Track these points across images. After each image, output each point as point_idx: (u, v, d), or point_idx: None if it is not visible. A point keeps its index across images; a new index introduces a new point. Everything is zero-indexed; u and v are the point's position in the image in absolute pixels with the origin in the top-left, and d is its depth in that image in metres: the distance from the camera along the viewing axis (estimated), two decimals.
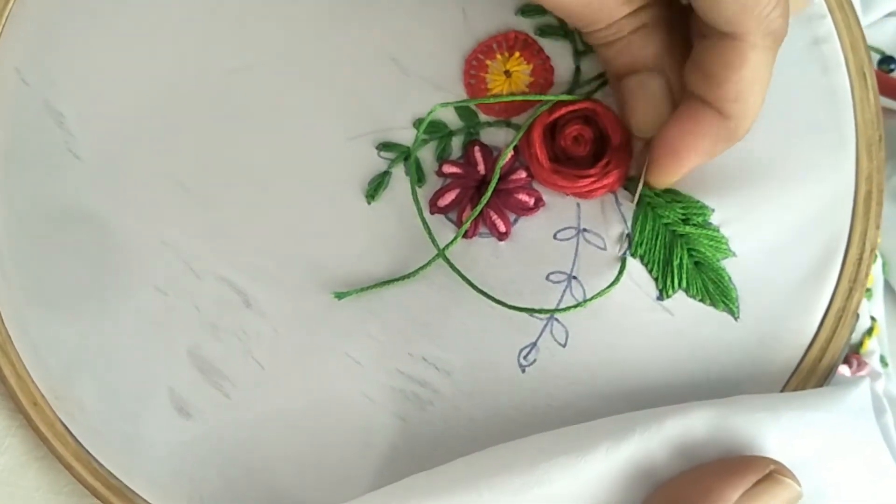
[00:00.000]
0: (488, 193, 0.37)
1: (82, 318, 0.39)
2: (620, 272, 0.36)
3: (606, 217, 0.37)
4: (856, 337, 0.41)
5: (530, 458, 0.33)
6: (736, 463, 0.32)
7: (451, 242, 0.37)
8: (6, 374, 0.39)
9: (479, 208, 0.37)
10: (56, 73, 0.40)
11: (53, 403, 0.39)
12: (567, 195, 0.37)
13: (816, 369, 0.37)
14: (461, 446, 0.36)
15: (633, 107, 0.35)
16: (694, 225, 0.36)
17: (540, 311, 0.36)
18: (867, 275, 0.37)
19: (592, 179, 0.36)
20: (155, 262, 0.39)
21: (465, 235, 0.37)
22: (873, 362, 0.41)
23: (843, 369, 0.39)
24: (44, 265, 0.40)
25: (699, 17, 0.32)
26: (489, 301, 0.37)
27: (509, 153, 0.37)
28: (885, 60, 0.46)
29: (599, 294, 0.36)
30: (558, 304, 0.37)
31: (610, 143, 0.36)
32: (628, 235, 0.37)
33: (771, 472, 0.32)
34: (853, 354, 0.41)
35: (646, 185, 0.36)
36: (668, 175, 0.35)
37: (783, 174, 0.37)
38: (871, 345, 0.41)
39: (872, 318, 0.42)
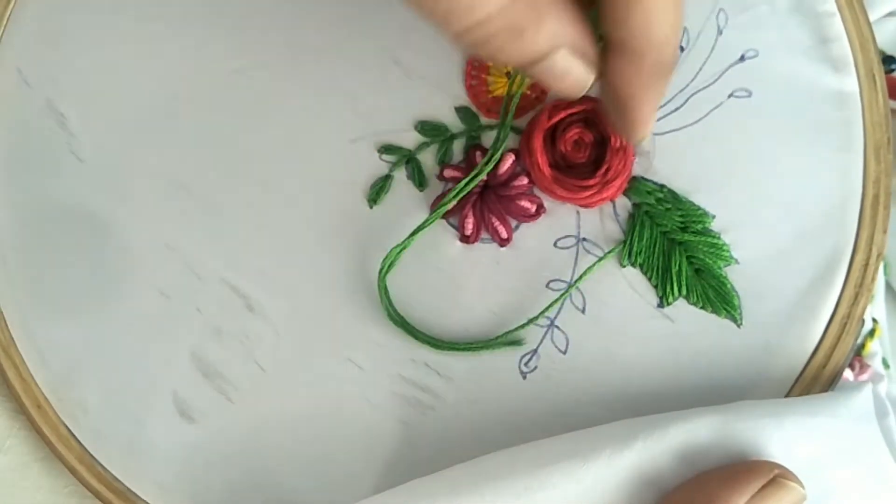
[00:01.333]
0: (472, 183, 0.36)
1: (85, 320, 0.39)
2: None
3: (605, 227, 0.37)
4: (858, 340, 0.41)
5: (533, 463, 0.33)
6: (740, 468, 0.32)
7: (429, 221, 0.37)
8: (10, 376, 0.39)
9: (461, 187, 0.36)
10: (58, 73, 0.40)
11: (57, 406, 0.39)
12: (567, 203, 0.37)
13: (820, 376, 0.36)
14: (462, 452, 0.36)
15: (554, 89, 0.32)
16: (693, 232, 0.36)
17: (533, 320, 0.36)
18: (874, 280, 0.37)
19: (592, 192, 0.36)
20: (157, 265, 0.39)
21: (467, 241, 0.37)
22: (875, 364, 0.40)
23: (846, 372, 0.39)
24: (47, 267, 0.40)
25: None
26: (490, 308, 0.37)
27: (500, 153, 0.37)
28: (886, 60, 0.45)
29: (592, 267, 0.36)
30: (558, 313, 0.37)
31: (609, 146, 0.36)
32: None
33: (775, 477, 0.31)
34: (855, 357, 0.40)
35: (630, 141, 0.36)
36: (634, 130, 0.33)
37: (788, 177, 0.37)
38: (873, 347, 0.41)
39: (874, 320, 0.41)
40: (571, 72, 0.30)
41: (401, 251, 0.37)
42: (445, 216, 0.37)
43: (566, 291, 0.37)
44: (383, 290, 0.37)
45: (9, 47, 0.41)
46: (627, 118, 0.32)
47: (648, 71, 0.31)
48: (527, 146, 0.36)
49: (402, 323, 0.37)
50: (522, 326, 0.36)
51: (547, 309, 0.36)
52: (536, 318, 0.36)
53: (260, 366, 0.38)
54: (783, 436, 0.33)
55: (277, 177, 0.39)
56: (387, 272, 0.37)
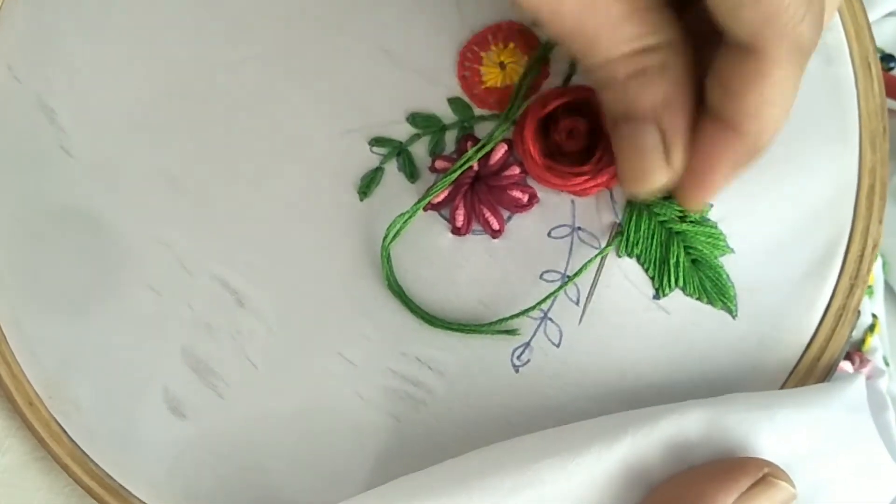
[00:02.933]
0: (456, 173, 0.36)
1: (76, 317, 0.39)
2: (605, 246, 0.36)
3: (601, 216, 0.36)
4: (858, 334, 0.40)
5: (522, 459, 0.33)
6: (730, 466, 0.32)
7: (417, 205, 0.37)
8: (1, 373, 0.39)
9: (449, 177, 0.36)
10: (48, 69, 0.40)
11: (48, 403, 0.39)
12: (562, 192, 0.36)
13: (815, 368, 0.36)
14: (454, 446, 0.36)
15: (620, 157, 0.33)
16: (691, 222, 0.36)
17: (529, 310, 0.36)
18: (869, 271, 0.36)
19: (586, 178, 0.35)
20: (149, 261, 0.39)
21: (459, 233, 0.37)
22: (876, 359, 0.40)
23: (846, 366, 0.38)
24: (37, 263, 0.40)
25: (719, 24, 0.29)
26: (483, 300, 0.37)
27: (494, 143, 0.36)
28: (885, 59, 0.45)
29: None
30: (552, 304, 0.36)
31: (603, 134, 0.36)
32: (619, 226, 0.36)
33: (765, 476, 0.31)
34: (855, 352, 0.40)
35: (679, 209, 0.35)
36: (697, 202, 0.33)
37: (783, 167, 0.36)
38: (873, 342, 0.40)
39: (874, 316, 0.41)
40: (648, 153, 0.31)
41: (407, 220, 0.36)
42: (436, 207, 0.37)
43: (564, 284, 0.36)
44: (386, 258, 0.36)
45: None
46: (697, 187, 0.32)
47: (742, 150, 0.30)
48: (520, 135, 0.36)
49: (400, 293, 0.37)
50: (515, 316, 0.36)
51: (543, 301, 0.36)
52: (531, 309, 0.36)
53: (251, 361, 0.38)
54: (775, 428, 0.33)
55: (268, 171, 0.38)
56: (391, 241, 0.36)
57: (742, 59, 0.28)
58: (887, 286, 0.43)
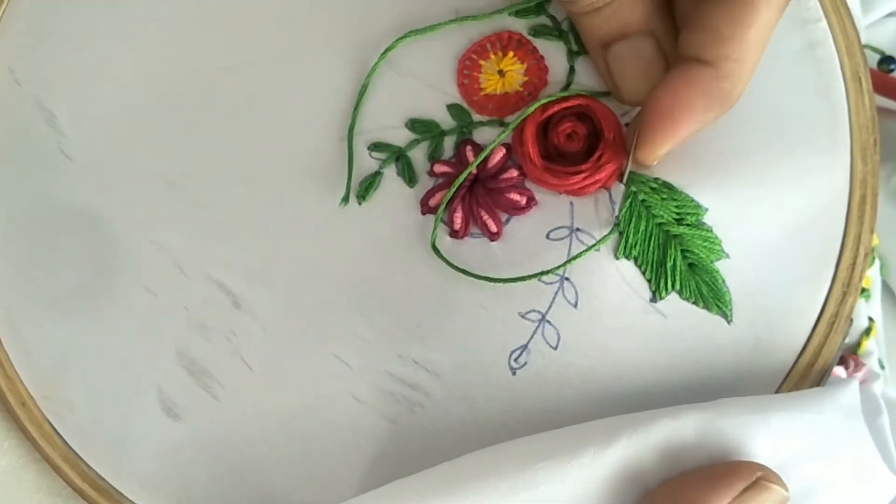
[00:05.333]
0: (461, 178, 0.37)
1: (71, 317, 0.39)
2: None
3: (600, 216, 0.37)
4: (853, 337, 0.41)
5: (517, 462, 0.33)
6: (723, 470, 0.32)
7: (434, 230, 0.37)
8: None
9: (452, 189, 0.37)
10: (48, 72, 0.40)
11: (41, 403, 0.39)
12: (560, 193, 0.37)
13: (809, 373, 0.36)
14: (451, 449, 0.36)
15: (624, 74, 0.35)
16: (688, 225, 0.36)
17: (543, 273, 0.36)
18: (861, 279, 0.37)
19: (584, 175, 0.36)
20: (144, 262, 0.39)
21: (457, 235, 0.37)
22: (871, 363, 0.40)
23: (840, 371, 0.39)
24: (33, 264, 0.39)
25: None
26: (481, 302, 0.37)
27: (493, 147, 0.37)
28: (885, 60, 0.46)
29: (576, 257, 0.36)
30: (550, 307, 0.37)
31: (603, 138, 0.36)
32: (616, 218, 0.36)
33: (758, 479, 0.31)
34: (850, 355, 0.40)
35: (635, 161, 0.35)
36: (660, 143, 0.34)
37: (777, 177, 0.37)
38: (868, 345, 0.41)
39: (870, 319, 0.41)
40: (643, 62, 0.33)
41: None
42: (434, 211, 0.37)
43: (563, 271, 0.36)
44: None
45: (0, 46, 0.41)
46: (661, 132, 0.33)
47: (715, 98, 0.32)
48: (519, 137, 0.37)
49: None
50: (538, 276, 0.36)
51: (567, 263, 0.36)
52: (552, 270, 0.36)
53: (246, 363, 0.38)
54: (769, 432, 0.33)
55: (266, 174, 0.39)
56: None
57: (734, 1, 0.31)
58: (885, 288, 0.44)
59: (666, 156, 0.35)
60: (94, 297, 0.39)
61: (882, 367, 0.41)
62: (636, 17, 0.33)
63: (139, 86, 0.39)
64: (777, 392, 0.36)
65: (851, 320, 0.37)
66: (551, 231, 0.37)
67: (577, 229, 0.37)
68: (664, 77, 0.33)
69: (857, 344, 0.41)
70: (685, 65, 0.33)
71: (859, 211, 0.37)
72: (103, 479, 0.38)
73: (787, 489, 0.32)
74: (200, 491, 0.38)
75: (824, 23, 0.38)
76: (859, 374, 0.40)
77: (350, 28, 0.38)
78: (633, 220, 0.36)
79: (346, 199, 0.38)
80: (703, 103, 0.32)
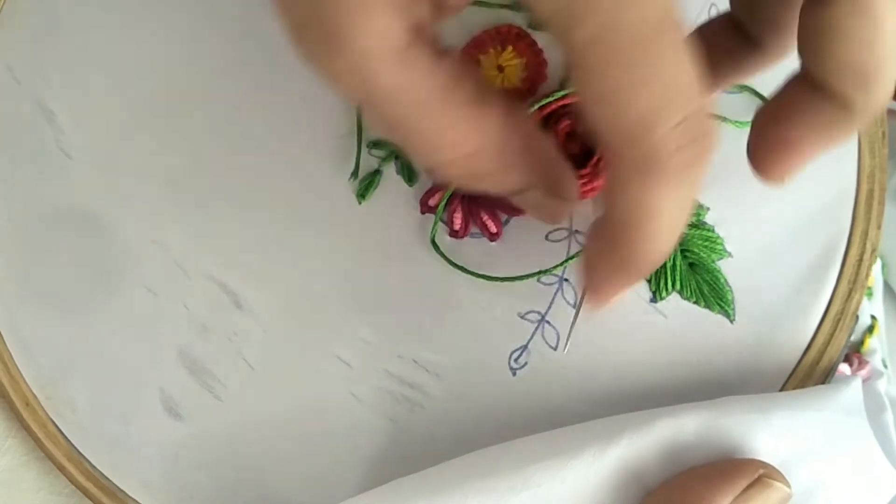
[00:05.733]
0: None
1: (74, 317, 0.39)
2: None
3: None
4: (856, 335, 0.40)
5: (517, 461, 0.33)
6: (725, 468, 0.32)
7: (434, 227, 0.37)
8: None
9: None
10: (47, 71, 0.40)
11: (45, 403, 0.39)
12: None
13: (814, 371, 0.36)
14: (451, 449, 0.36)
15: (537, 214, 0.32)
16: (688, 225, 0.36)
17: (542, 273, 0.36)
18: (867, 276, 0.36)
19: (583, 181, 0.35)
20: (145, 262, 0.39)
21: (456, 235, 0.37)
22: (875, 361, 0.40)
23: (844, 368, 0.38)
24: (35, 264, 0.40)
25: None
26: (480, 302, 0.36)
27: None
28: None
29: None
30: (549, 307, 0.36)
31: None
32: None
33: (760, 476, 0.31)
34: (854, 353, 0.40)
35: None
36: (790, 174, 0.29)
37: None
38: (872, 343, 0.40)
39: (873, 317, 0.41)
40: (546, 207, 0.30)
41: None
42: (433, 211, 0.37)
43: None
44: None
45: None
46: (790, 159, 0.28)
47: (847, 120, 0.26)
48: None
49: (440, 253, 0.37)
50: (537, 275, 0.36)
51: (564, 263, 0.36)
52: (549, 270, 0.36)
53: (247, 363, 0.38)
54: (771, 430, 0.33)
55: (265, 173, 0.38)
56: None
57: (856, 24, 0.24)
58: (887, 287, 0.43)
59: None
60: (96, 297, 0.39)
61: (885, 365, 0.41)
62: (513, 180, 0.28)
63: (139, 84, 0.39)
64: (781, 390, 0.36)
65: (857, 317, 0.36)
66: (550, 232, 0.37)
67: (576, 231, 0.36)
68: (794, 106, 0.27)
69: (861, 342, 0.40)
70: (809, 99, 0.27)
71: (866, 206, 0.36)
72: (106, 478, 0.39)
73: (789, 486, 0.31)
74: (201, 490, 0.38)
75: None
76: (863, 372, 0.39)
77: None
78: None
79: (355, 174, 0.37)
80: (829, 138, 0.27)
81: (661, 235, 0.25)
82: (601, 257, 0.27)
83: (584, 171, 0.35)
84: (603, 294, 0.29)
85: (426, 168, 0.27)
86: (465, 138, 0.26)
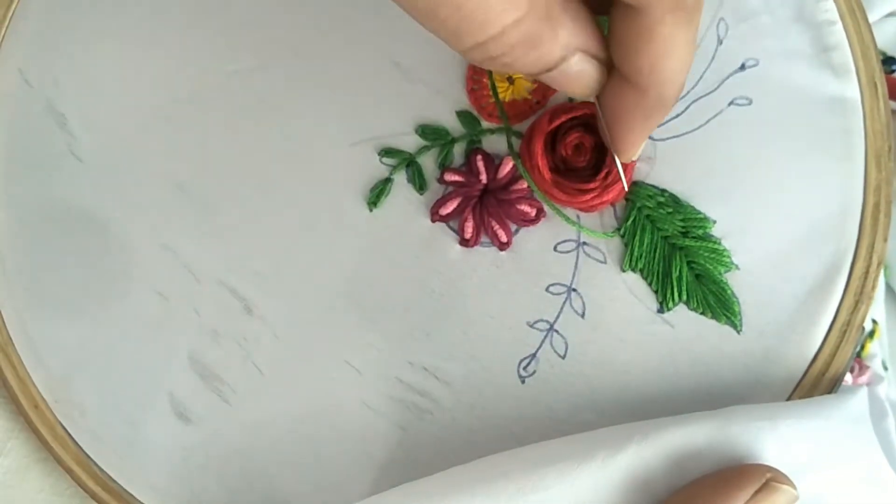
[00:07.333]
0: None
1: (83, 320, 0.39)
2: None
3: (606, 229, 0.37)
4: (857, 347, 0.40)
5: (526, 465, 0.33)
6: (733, 475, 0.32)
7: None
8: (7, 376, 0.39)
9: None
10: (59, 74, 0.40)
11: (53, 406, 0.39)
12: (567, 207, 0.37)
13: (820, 382, 0.36)
14: (459, 456, 0.36)
15: (570, 91, 0.32)
16: (693, 237, 0.36)
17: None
18: (874, 288, 0.36)
19: (593, 195, 0.36)
20: (156, 266, 0.39)
21: (467, 244, 0.37)
22: (875, 366, 0.40)
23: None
24: (45, 267, 0.40)
25: None
26: (490, 311, 0.37)
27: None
28: (886, 61, 0.45)
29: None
30: (558, 316, 0.37)
31: (610, 152, 0.36)
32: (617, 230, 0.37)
33: (768, 481, 0.31)
34: (855, 358, 0.40)
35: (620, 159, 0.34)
36: (625, 149, 0.33)
37: (789, 184, 0.36)
38: (872, 348, 0.40)
39: (874, 321, 0.41)
40: (584, 74, 0.30)
41: None
42: (445, 219, 0.37)
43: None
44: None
45: (10, 48, 0.41)
46: (616, 141, 0.33)
47: (647, 105, 0.31)
48: (527, 150, 0.36)
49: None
50: None
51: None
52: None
53: (257, 368, 0.38)
54: (778, 439, 0.33)
55: (277, 179, 0.39)
56: None
57: (630, 17, 0.29)
58: (888, 290, 0.43)
59: (676, 166, 0.36)
60: (105, 301, 0.39)
61: (885, 368, 0.41)
62: (553, 53, 0.30)
63: (150, 89, 0.40)
64: (787, 401, 0.36)
65: (864, 329, 0.37)
66: (559, 243, 0.37)
67: (584, 243, 0.37)
68: (602, 91, 0.31)
69: (861, 346, 0.40)
70: (612, 79, 0.31)
71: (873, 219, 0.37)
72: (115, 482, 0.39)
73: (796, 489, 0.32)
74: (210, 495, 0.38)
75: (839, 25, 0.37)
76: (864, 378, 0.39)
77: (361, 34, 0.38)
78: (638, 233, 0.36)
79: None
80: (637, 116, 0.31)
81: (684, 69, 0.30)
82: (627, 109, 0.31)
83: (592, 186, 0.36)
84: (632, 144, 0.33)
85: (473, 55, 0.28)
86: (512, 2, 0.27)
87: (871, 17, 0.41)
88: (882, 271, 0.43)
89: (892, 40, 0.45)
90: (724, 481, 0.32)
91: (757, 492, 0.31)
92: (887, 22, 0.45)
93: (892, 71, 0.45)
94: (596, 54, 0.30)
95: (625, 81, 0.31)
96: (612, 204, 0.37)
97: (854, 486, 0.34)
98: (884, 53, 0.46)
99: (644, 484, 0.33)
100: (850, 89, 0.37)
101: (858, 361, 0.40)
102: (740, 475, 0.32)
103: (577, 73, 0.30)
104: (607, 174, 0.36)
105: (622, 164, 0.35)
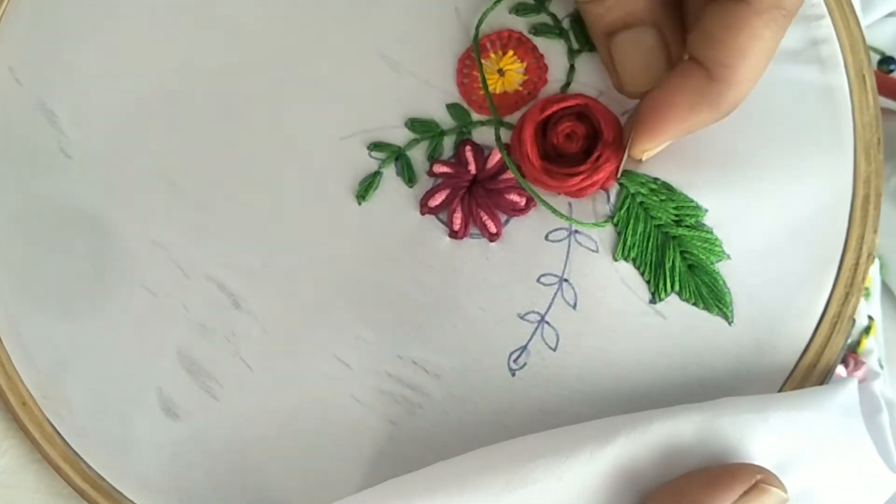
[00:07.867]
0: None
1: (71, 317, 0.39)
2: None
3: (598, 218, 0.36)
4: (853, 336, 0.40)
5: (514, 459, 0.33)
6: (721, 473, 0.32)
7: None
8: None
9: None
10: (49, 72, 0.40)
11: (42, 403, 0.39)
12: (559, 195, 0.37)
13: (811, 374, 0.36)
14: (450, 450, 0.36)
15: (626, 65, 0.34)
16: (687, 226, 0.36)
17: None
18: (864, 280, 0.36)
19: (583, 176, 0.35)
20: (144, 262, 0.39)
21: (456, 236, 0.37)
22: (871, 361, 0.40)
23: (840, 369, 0.38)
24: (33, 264, 0.40)
25: None
26: (480, 303, 0.37)
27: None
28: (885, 61, 0.45)
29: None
30: (549, 308, 0.36)
31: (602, 138, 0.36)
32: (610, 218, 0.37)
33: (757, 482, 0.31)
34: (850, 354, 0.40)
35: (629, 156, 0.35)
36: (647, 138, 0.34)
37: (779, 176, 0.36)
38: (868, 344, 0.40)
39: (870, 318, 0.41)
40: (650, 53, 0.34)
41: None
42: (434, 211, 0.37)
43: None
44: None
45: (1, 47, 0.41)
46: (651, 127, 0.33)
47: (706, 101, 0.32)
48: (518, 137, 0.36)
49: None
50: None
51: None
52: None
53: (246, 363, 0.38)
54: (767, 431, 0.33)
55: (265, 174, 0.38)
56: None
57: (726, 5, 0.31)
58: (884, 288, 0.43)
59: (667, 155, 0.35)
60: (94, 297, 0.39)
61: (881, 366, 0.41)
62: (640, 8, 0.33)
63: (140, 85, 0.39)
64: (779, 392, 0.36)
65: (854, 321, 0.37)
66: (550, 232, 0.37)
67: (576, 231, 0.37)
68: (668, 74, 0.33)
69: (857, 342, 0.40)
70: (684, 64, 0.32)
71: (862, 211, 0.37)
72: (103, 479, 0.39)
73: (786, 491, 0.32)
74: (200, 491, 0.38)
75: (828, 19, 0.37)
76: (859, 373, 0.39)
77: (349, 27, 0.38)
78: (631, 221, 0.36)
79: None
80: (691, 103, 0.32)
81: (761, 70, 0.32)
82: (680, 102, 0.32)
83: (583, 167, 0.35)
84: (660, 137, 0.34)
85: None
86: None
87: (871, 17, 0.42)
88: (878, 267, 0.43)
89: (893, 40, 0.46)
90: (713, 479, 0.32)
91: (746, 492, 0.31)
92: (887, 22, 0.45)
93: (891, 70, 0.46)
94: (667, 37, 0.33)
95: (695, 67, 0.32)
96: (604, 188, 0.36)
97: (844, 478, 0.34)
98: (883, 53, 0.46)
99: (632, 477, 0.33)
100: (839, 82, 0.37)
101: (854, 357, 0.40)
102: (730, 474, 0.32)
103: (648, 48, 0.33)
104: (598, 157, 0.35)
105: (632, 156, 0.35)
